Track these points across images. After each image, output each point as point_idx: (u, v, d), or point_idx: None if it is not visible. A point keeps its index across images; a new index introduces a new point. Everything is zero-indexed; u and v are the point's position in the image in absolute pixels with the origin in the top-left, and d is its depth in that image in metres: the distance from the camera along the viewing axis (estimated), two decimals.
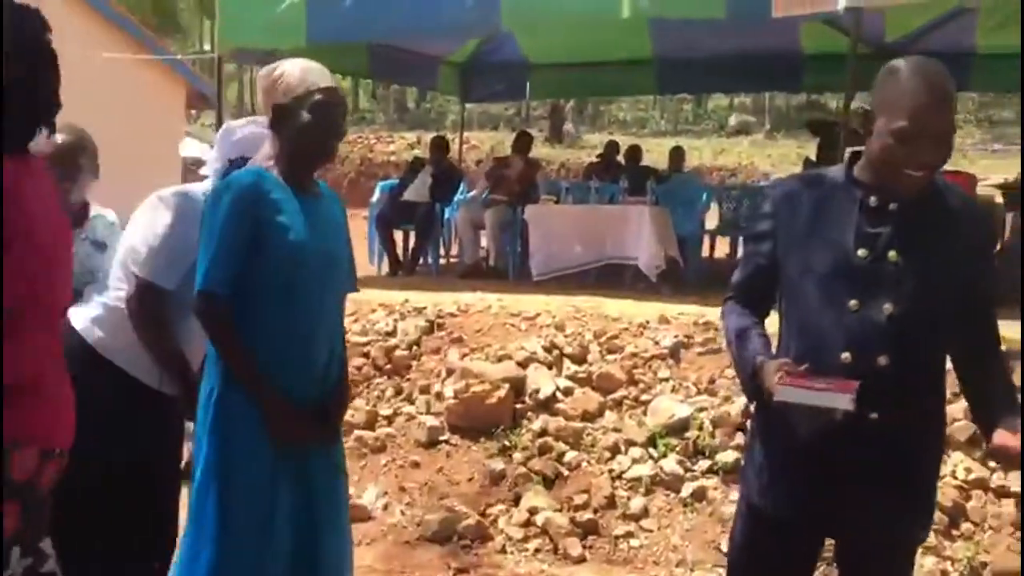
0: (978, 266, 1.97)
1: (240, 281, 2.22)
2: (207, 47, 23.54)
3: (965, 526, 3.63)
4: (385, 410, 4.79)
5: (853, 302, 1.91)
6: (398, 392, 4.92)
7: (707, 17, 6.15)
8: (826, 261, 1.95)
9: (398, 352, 5.12)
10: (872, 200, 1.94)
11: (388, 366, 5.06)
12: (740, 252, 2.09)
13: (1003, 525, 3.58)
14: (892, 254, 1.90)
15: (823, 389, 1.83)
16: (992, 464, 3.83)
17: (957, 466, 3.81)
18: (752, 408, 2.20)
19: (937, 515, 3.62)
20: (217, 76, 7.88)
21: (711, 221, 9.04)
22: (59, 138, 2.75)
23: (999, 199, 7.50)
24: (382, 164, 19.16)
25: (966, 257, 1.92)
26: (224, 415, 2.24)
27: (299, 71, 2.33)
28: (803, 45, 8.96)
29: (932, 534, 3.55)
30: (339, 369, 2.41)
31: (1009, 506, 3.65)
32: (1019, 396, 1.97)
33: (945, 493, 3.69)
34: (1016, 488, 3.70)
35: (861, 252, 1.92)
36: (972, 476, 3.76)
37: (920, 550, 3.44)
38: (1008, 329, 4.11)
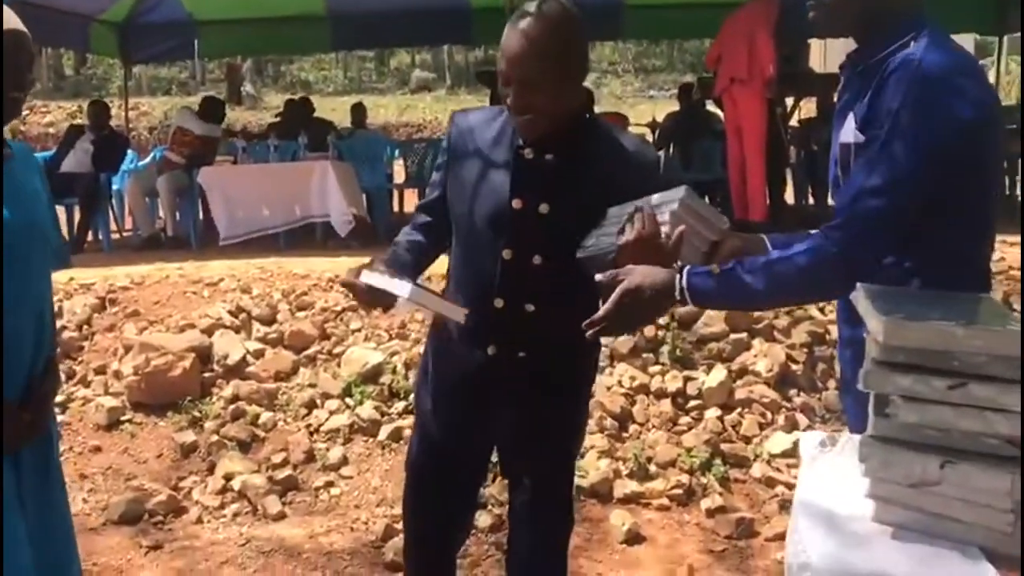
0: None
1: None
2: None
3: (632, 427, 4.02)
4: (58, 397, 4.41)
5: (507, 252, 2.01)
6: (70, 376, 4.54)
7: None
8: (487, 207, 2.03)
9: (66, 334, 4.72)
10: (528, 152, 2.00)
11: (57, 350, 4.65)
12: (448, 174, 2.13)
13: (663, 423, 4.01)
14: (543, 206, 1.99)
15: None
16: (652, 370, 4.26)
17: (623, 375, 4.19)
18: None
19: (608, 420, 3.99)
20: None
21: (399, 177, 9.16)
22: None
23: (649, 136, 8.28)
24: (38, 136, 17.34)
25: (616, 198, 1.91)
26: None
27: None
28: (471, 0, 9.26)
29: (606, 438, 3.90)
30: (48, 353, 2.11)
31: (667, 405, 4.09)
32: None
33: (613, 400, 4.06)
34: (671, 388, 4.15)
35: (515, 203, 2.00)
36: (636, 383, 4.16)
37: (596, 455, 3.79)
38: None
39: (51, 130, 18.13)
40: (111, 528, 3.56)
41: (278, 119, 10.01)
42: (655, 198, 1.80)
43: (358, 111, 9.64)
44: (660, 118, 9.22)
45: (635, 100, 21.92)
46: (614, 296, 1.68)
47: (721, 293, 1.64)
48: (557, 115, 1.96)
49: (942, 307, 1.32)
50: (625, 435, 3.98)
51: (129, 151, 8.70)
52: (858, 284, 1.45)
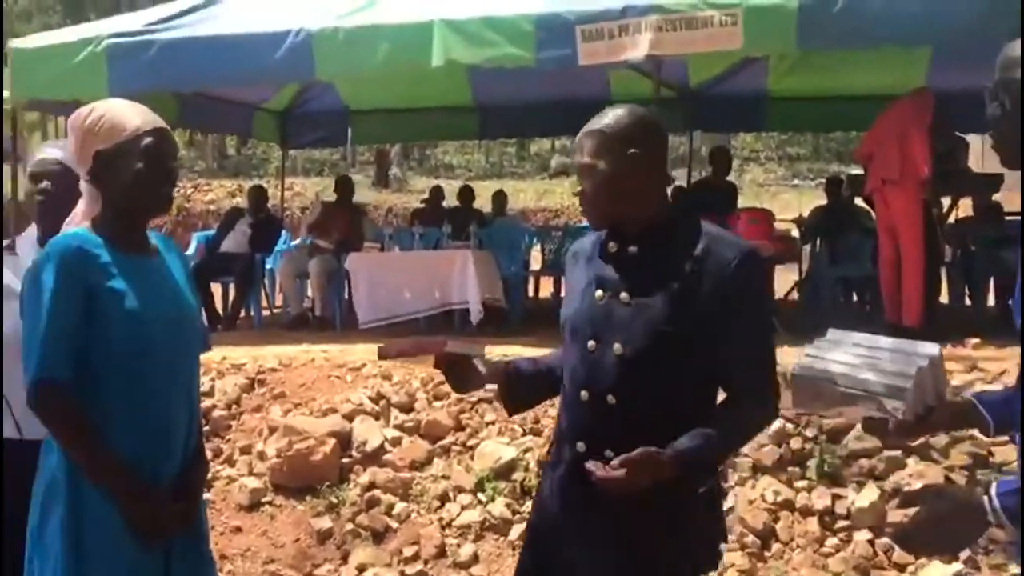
0: (723, 307, 1.90)
1: (77, 361, 1.98)
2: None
3: (775, 546, 3.82)
4: None
5: (591, 343, 1.98)
6: (217, 454, 4.71)
7: (518, 66, 6.31)
8: (575, 304, 2.06)
9: (216, 412, 4.92)
10: (611, 245, 2.02)
11: (206, 428, 4.84)
12: (563, 290, 2.21)
13: (809, 543, 3.79)
14: (624, 295, 1.96)
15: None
16: (798, 485, 4.06)
17: (766, 489, 4.01)
18: None
19: (750, 538, 3.81)
20: (12, 127, 7.42)
21: (535, 262, 9.24)
22: None
23: (795, 232, 8.08)
24: (200, 214, 18.48)
25: (706, 297, 1.89)
26: (73, 510, 1.98)
27: (123, 111, 2.08)
28: (613, 90, 9.37)
29: (746, 557, 3.72)
30: (197, 440, 2.19)
31: (813, 524, 3.87)
32: (719, 446, 1.91)
33: (755, 516, 3.87)
34: (818, 506, 3.93)
35: (598, 294, 2.00)
36: (780, 498, 3.96)
37: (735, 574, 3.61)
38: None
39: (212, 207, 19.26)
40: None
41: (422, 206, 10.33)
42: (888, 343, 1.76)
43: (499, 199, 9.83)
44: (805, 209, 9.01)
45: (778, 188, 21.56)
46: (920, 518, 1.63)
47: None
48: (618, 209, 1.99)
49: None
50: (767, 554, 3.79)
51: (283, 232, 9.13)
52: None
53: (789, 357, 1.90)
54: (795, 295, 8.35)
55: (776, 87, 8.92)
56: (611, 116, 1.99)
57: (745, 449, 4.19)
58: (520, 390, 2.20)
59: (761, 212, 7.35)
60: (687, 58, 7.08)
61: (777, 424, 4.23)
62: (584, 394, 1.98)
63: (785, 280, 8.77)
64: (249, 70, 6.48)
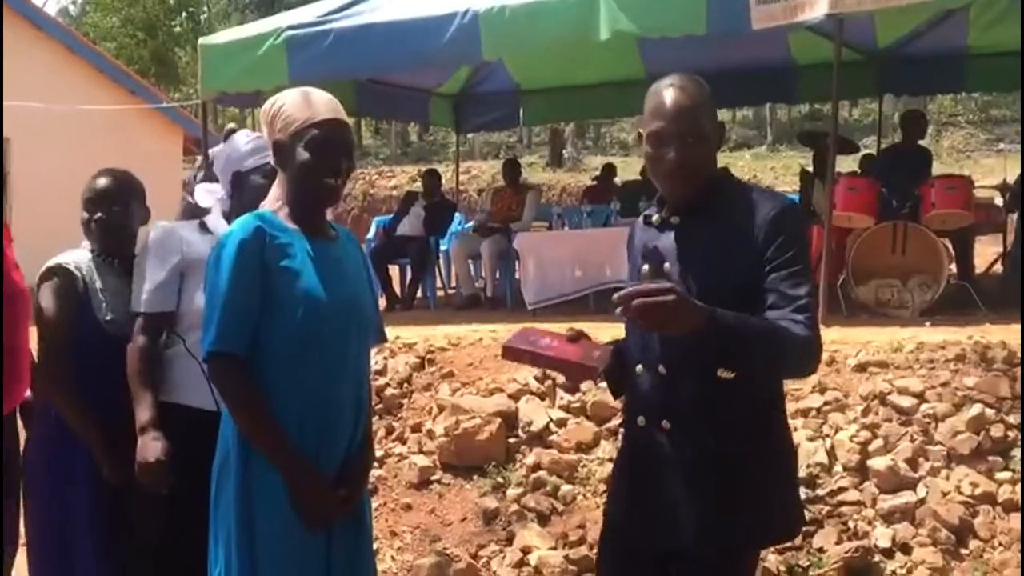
0: (761, 258, 1.91)
1: (252, 338, 2.04)
2: None
3: (974, 544, 3.47)
4: (376, 452, 4.69)
5: None
6: (389, 432, 4.81)
7: (688, 34, 6.07)
8: (630, 280, 2.09)
9: (388, 391, 5.02)
10: (654, 217, 2.07)
11: (379, 406, 4.96)
12: None
13: (1013, 541, 3.43)
14: (667, 265, 2.00)
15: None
16: (1000, 476, 3.68)
17: (962, 481, 3.66)
18: None
19: (943, 533, 3.49)
20: (203, 121, 7.88)
21: None
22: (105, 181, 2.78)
23: (998, 200, 7.37)
24: (384, 199, 19.16)
25: (745, 254, 1.92)
26: (245, 484, 2.04)
27: (299, 103, 2.13)
28: (794, 56, 8.88)
29: (939, 553, 3.41)
30: (364, 430, 2.21)
31: (1017, 520, 3.49)
32: (755, 332, 1.85)
33: (950, 510, 3.54)
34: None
35: (645, 267, 2.05)
36: (978, 491, 3.61)
37: (927, 571, 3.31)
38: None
39: (394, 193, 19.93)
40: None
41: (593, 183, 10.21)
42: None
43: None
44: (1011, 175, 8.22)
45: (980, 154, 19.92)
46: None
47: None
48: (702, 173, 1.99)
49: None
50: (964, 552, 3.45)
51: (457, 214, 9.28)
52: None
53: (995, 335, 1.68)
54: (999, 268, 7.64)
55: (977, 42, 8.14)
56: (690, 84, 2.00)
57: (938, 436, 3.85)
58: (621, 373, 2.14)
59: (959, 179, 6.73)
60: (873, 15, 6.57)
61: (976, 409, 3.85)
62: (639, 368, 2.03)
63: (988, 254, 8.05)
64: (419, 54, 6.59)
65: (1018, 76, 9.46)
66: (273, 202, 2.16)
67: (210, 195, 2.72)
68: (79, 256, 2.78)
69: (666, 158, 1.96)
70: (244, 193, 2.56)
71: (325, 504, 2.07)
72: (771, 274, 1.90)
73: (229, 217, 2.52)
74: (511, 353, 2.09)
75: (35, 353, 2.53)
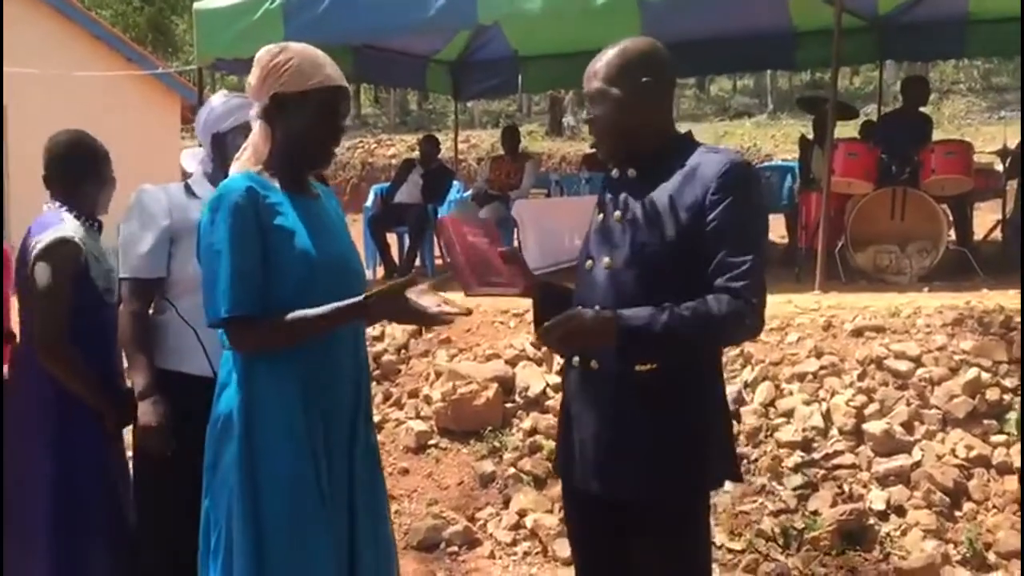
0: (705, 212, 1.94)
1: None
2: None
3: (967, 506, 3.49)
4: (375, 417, 4.69)
5: (588, 261, 2.12)
6: (387, 398, 4.83)
7: None
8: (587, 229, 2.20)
9: (386, 357, 5.03)
10: (613, 172, 2.14)
11: (376, 371, 4.96)
12: None
13: (1007, 503, 3.45)
14: (616, 215, 2.06)
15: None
16: (994, 439, 3.70)
17: (957, 444, 3.67)
18: None
19: (937, 495, 3.51)
20: (199, 87, 7.82)
21: None
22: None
23: (998, 166, 7.34)
24: (383, 168, 19.05)
25: (691, 205, 1.95)
26: (248, 446, 2.04)
27: (312, 60, 2.06)
28: (794, 22, 8.80)
29: (933, 515, 3.43)
30: (368, 379, 2.23)
31: (1012, 483, 3.51)
32: (670, 322, 1.88)
33: (945, 472, 3.56)
34: (1018, 463, 3.56)
35: (598, 217, 2.13)
36: (973, 453, 3.63)
37: (920, 533, 3.33)
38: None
39: (393, 162, 19.83)
40: (411, 553, 3.69)
41: (592, 151, 10.14)
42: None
43: None
44: (1012, 141, 8.18)
45: (982, 122, 19.81)
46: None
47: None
48: (624, 132, 2.05)
49: None
50: (958, 514, 3.47)
51: (455, 182, 9.23)
52: None
53: (992, 300, 1.67)
54: (997, 234, 7.62)
55: (978, 8, 8.05)
56: (624, 44, 2.06)
57: (933, 400, 3.86)
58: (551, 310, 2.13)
59: (958, 144, 6.69)
60: None
61: (971, 373, 3.86)
62: (580, 309, 2.03)
63: (987, 220, 8.03)
64: (415, 17, 6.51)
65: (1019, 42, 9.43)
66: (252, 160, 2.09)
67: (193, 159, 2.70)
68: (76, 228, 2.73)
69: (592, 118, 2.09)
70: (226, 155, 2.50)
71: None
72: (714, 235, 1.93)
73: (214, 180, 2.50)
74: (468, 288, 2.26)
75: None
